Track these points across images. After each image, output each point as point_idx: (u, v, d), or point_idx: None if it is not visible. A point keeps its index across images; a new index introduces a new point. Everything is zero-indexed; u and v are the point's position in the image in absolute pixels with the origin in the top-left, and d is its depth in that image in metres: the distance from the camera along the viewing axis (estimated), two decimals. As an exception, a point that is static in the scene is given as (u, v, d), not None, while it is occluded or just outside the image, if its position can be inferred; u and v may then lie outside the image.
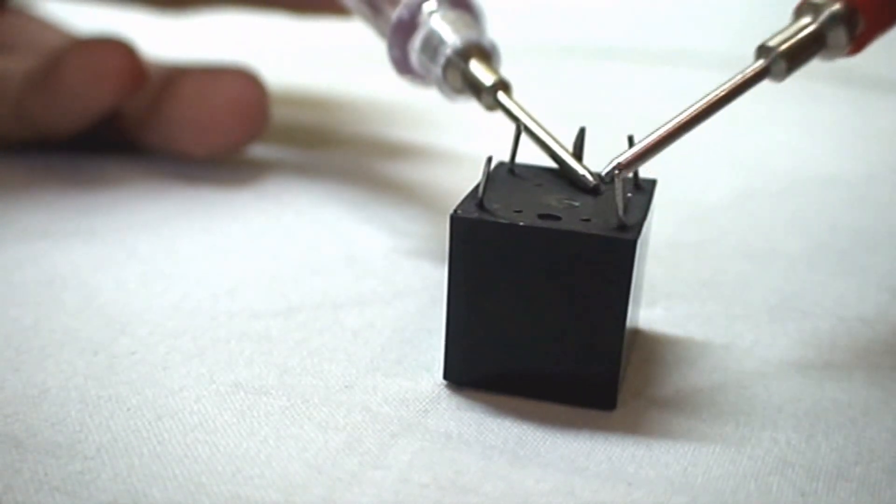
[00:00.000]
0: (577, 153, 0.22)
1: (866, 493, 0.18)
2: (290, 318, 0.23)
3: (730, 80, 0.21)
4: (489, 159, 0.20)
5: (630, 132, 0.21)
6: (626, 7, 0.62)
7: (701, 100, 0.21)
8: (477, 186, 0.20)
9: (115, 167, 0.32)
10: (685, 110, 0.21)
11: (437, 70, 0.25)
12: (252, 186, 0.32)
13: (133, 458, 0.18)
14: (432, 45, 0.25)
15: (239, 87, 0.31)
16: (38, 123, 0.31)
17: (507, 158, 0.22)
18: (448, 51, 0.24)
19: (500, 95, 0.24)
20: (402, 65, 0.26)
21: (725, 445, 0.19)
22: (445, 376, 0.20)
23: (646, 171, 0.22)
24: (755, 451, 0.19)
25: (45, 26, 0.36)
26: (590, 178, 0.21)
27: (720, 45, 0.50)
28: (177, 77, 0.32)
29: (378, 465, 0.18)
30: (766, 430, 0.19)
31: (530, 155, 0.22)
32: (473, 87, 0.24)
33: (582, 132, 0.22)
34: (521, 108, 0.23)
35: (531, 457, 0.18)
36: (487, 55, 0.25)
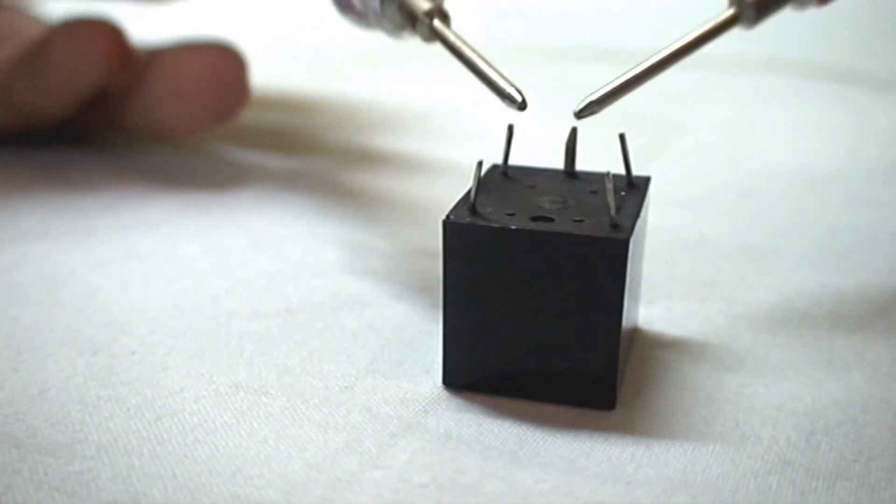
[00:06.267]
0: (570, 153, 0.22)
1: (866, 491, 0.18)
2: (290, 318, 0.23)
3: (701, 25, 0.21)
4: (479, 163, 0.20)
5: (627, 132, 0.21)
6: (625, 8, 0.62)
7: (672, 44, 0.21)
8: (469, 191, 0.20)
9: (114, 167, 0.32)
10: (656, 53, 0.21)
11: (375, 3, 0.24)
12: (252, 187, 0.32)
13: (133, 458, 0.18)
14: None
15: (217, 58, 0.31)
16: (25, 107, 0.31)
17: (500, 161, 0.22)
18: None
19: (436, 23, 0.23)
20: (344, 2, 0.25)
21: (725, 444, 0.19)
22: (444, 381, 0.20)
23: (646, 170, 0.22)
24: (755, 449, 0.19)
25: (35, 20, 0.36)
26: (517, 95, 0.20)
27: (720, 46, 0.50)
28: (157, 54, 0.32)
29: (378, 465, 0.18)
30: (765, 429, 0.19)
31: (529, 155, 0.22)
32: (410, 18, 0.23)
33: (573, 133, 0.22)
34: (458, 37, 0.22)
35: (531, 457, 0.18)
36: None
